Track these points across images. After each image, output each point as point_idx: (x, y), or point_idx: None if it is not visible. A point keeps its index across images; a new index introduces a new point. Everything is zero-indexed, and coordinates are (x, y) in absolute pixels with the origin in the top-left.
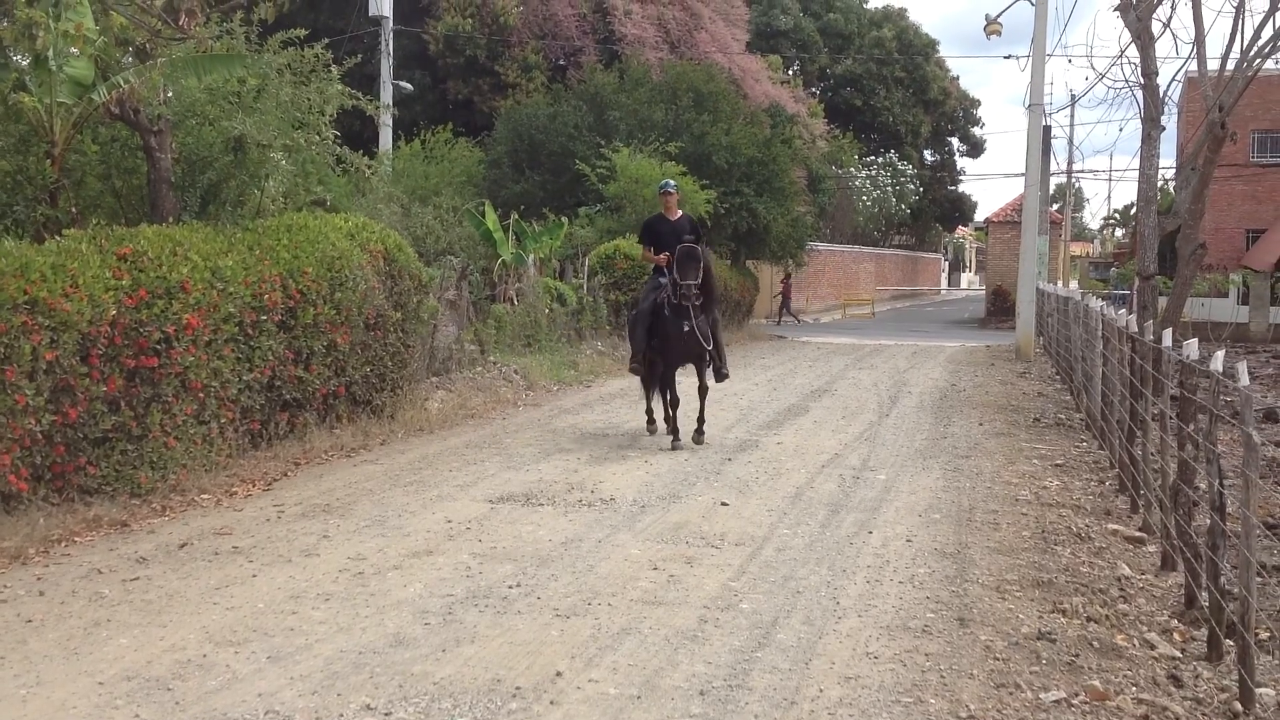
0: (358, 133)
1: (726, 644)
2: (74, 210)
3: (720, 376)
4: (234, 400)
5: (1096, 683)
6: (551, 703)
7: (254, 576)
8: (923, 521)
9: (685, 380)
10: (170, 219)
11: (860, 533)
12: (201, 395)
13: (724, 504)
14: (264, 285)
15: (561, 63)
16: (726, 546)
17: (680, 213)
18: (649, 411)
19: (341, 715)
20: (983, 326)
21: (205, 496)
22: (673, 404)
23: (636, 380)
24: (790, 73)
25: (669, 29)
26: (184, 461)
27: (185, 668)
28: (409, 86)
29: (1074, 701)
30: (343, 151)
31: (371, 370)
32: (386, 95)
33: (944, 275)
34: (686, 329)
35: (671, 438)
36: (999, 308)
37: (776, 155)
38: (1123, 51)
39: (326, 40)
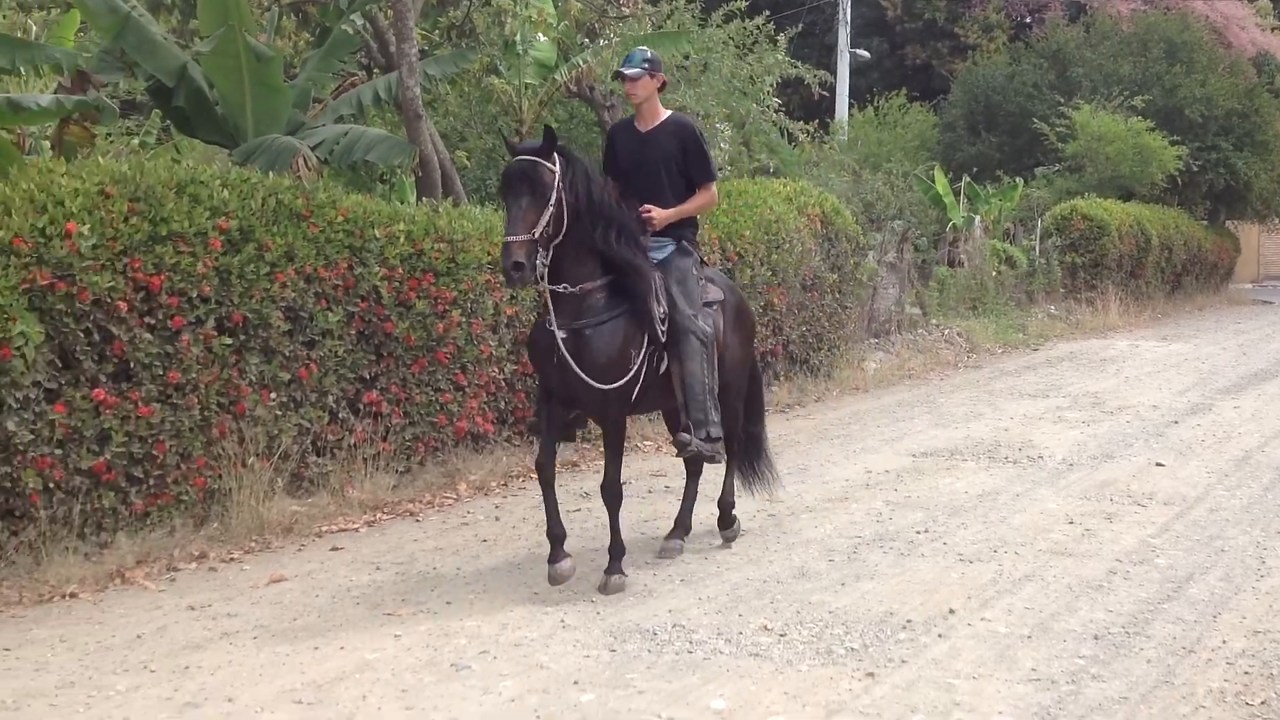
0: (816, 102)
1: (1132, 595)
2: None
3: (685, 446)
4: None
5: None
6: (939, 635)
7: None
8: None
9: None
10: None
11: None
12: None
13: (1159, 464)
14: (703, 248)
15: (1027, 21)
16: (1153, 505)
17: (666, 114)
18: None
19: (740, 633)
20: None
21: (647, 443)
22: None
23: (1090, 343)
24: None
25: None
26: None
27: (604, 593)
28: (866, 54)
29: None
30: (779, 118)
31: (808, 330)
32: (844, 64)
33: None
34: (556, 359)
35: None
36: None
37: (1260, 106)
38: None
39: (768, 13)
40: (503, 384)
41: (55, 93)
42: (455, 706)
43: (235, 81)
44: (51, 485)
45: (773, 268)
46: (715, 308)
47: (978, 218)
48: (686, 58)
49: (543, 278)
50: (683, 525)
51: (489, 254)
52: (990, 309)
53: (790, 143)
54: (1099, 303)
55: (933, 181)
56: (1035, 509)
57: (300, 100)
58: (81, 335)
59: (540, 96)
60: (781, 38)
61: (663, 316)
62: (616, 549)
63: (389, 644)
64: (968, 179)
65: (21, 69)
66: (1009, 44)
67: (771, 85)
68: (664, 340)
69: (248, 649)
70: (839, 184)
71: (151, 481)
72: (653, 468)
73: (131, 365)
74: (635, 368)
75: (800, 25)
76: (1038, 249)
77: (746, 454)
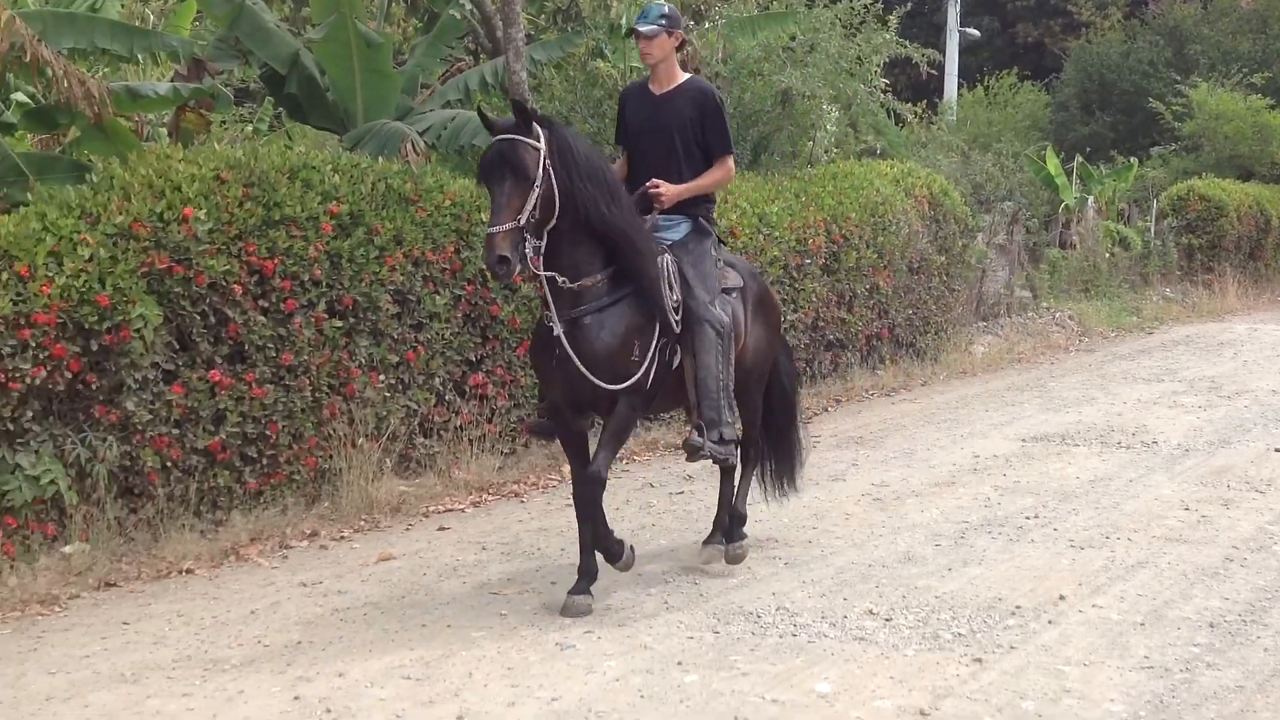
0: (924, 82)
1: (1250, 582)
2: None
3: (696, 450)
4: None
5: None
6: (1049, 622)
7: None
8: None
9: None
10: None
11: None
12: None
13: (1278, 450)
14: (808, 230)
15: None
16: (1271, 492)
17: (684, 77)
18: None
19: (845, 616)
20: None
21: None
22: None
23: (1206, 327)
24: None
25: None
26: None
27: (711, 567)
28: (976, 33)
29: None
30: (887, 99)
31: (914, 313)
32: (953, 42)
33: None
34: (558, 353)
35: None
36: None
37: None
38: None
39: None
40: None
41: (172, 81)
42: (560, 685)
43: (346, 68)
44: (169, 464)
45: (879, 250)
46: (735, 295)
47: (1091, 199)
48: (793, 38)
49: (536, 266)
50: (721, 527)
51: None
52: (1103, 292)
53: (897, 124)
54: (1216, 285)
55: (1044, 162)
56: (1149, 495)
57: (409, 86)
58: (198, 318)
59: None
60: (890, 17)
61: (676, 304)
62: (586, 566)
63: (495, 622)
64: (1080, 159)
65: (140, 57)
66: (1124, 21)
67: (879, 65)
68: (677, 330)
69: (358, 625)
70: (947, 165)
71: (264, 461)
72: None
73: (246, 347)
74: (646, 363)
75: (909, 4)
76: (1153, 230)
77: (773, 457)
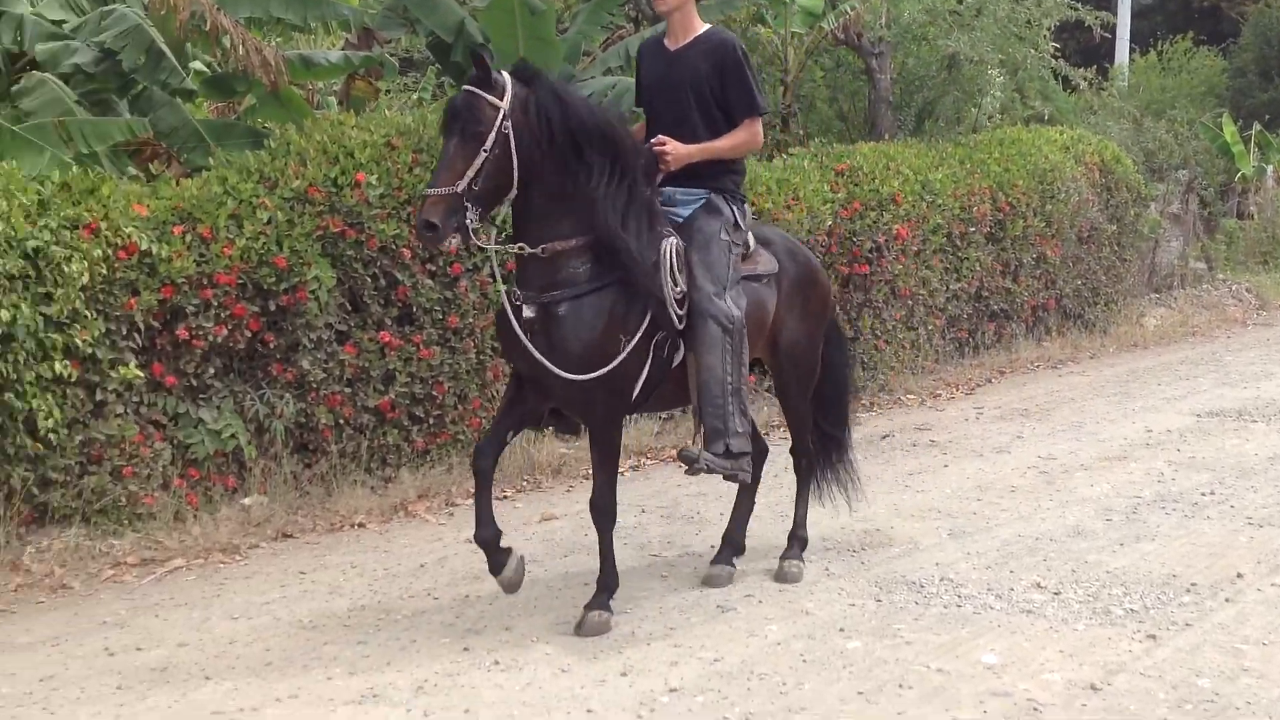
0: (1094, 47)
1: None
2: (802, 132)
3: (692, 463)
4: (941, 309)
5: None
6: (1226, 600)
7: (945, 467)
8: None
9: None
10: (887, 136)
11: None
12: (910, 302)
13: None
14: (973, 198)
15: None
16: None
17: (703, 28)
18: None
19: (1012, 589)
20: None
21: (910, 396)
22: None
23: None
24: None
25: None
26: (892, 364)
27: (873, 536)
28: None
29: None
30: (1058, 65)
31: (1083, 284)
32: (1125, 6)
33: None
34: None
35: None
36: None
37: None
38: None
39: None
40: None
41: (343, 49)
42: (721, 646)
43: (510, 36)
44: (341, 421)
45: (1047, 219)
46: (767, 281)
47: (1270, 168)
48: (960, 1)
49: (479, 236)
50: (732, 545)
51: (752, 205)
52: None
53: (1066, 89)
54: None
55: (1220, 130)
56: None
57: (571, 53)
58: (369, 280)
59: (806, 45)
60: None
61: (680, 295)
62: (606, 579)
63: (655, 583)
64: (1259, 127)
65: (312, 25)
66: None
67: (1049, 29)
68: (680, 326)
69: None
70: (1118, 132)
71: (431, 421)
72: (916, 421)
73: (414, 310)
74: (624, 354)
75: None
76: None
77: (823, 463)
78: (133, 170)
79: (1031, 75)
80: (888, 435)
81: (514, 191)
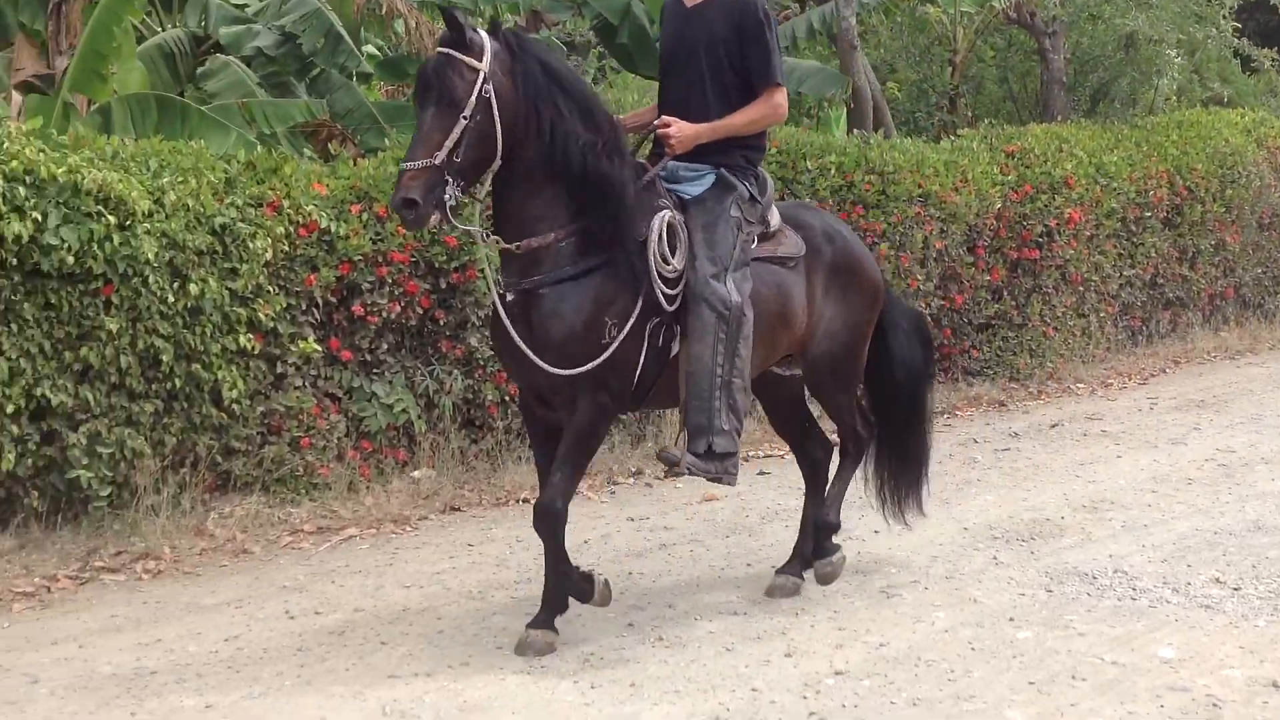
0: (1277, 27)
1: None
2: (970, 114)
3: (673, 464)
4: (1114, 296)
5: None
6: None
7: (1118, 457)
8: None
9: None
10: (1059, 118)
11: None
12: (1081, 289)
13: None
14: (1149, 182)
15: None
16: None
17: None
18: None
19: (1189, 584)
20: None
21: (1080, 385)
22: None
23: None
24: None
25: None
26: (1061, 351)
27: (1043, 526)
28: None
29: None
30: (1242, 45)
31: (1263, 272)
32: None
33: None
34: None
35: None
36: None
37: None
38: None
39: None
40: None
41: None
42: (887, 631)
43: None
44: (507, 399)
45: (1226, 204)
46: (792, 265)
47: None
48: None
49: (459, 215)
50: (801, 555)
51: (919, 187)
52: None
53: (1245, 70)
54: None
55: None
56: None
57: None
58: None
59: (976, 25)
60: None
61: (675, 275)
62: (551, 595)
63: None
64: None
65: (483, 8)
66: None
67: (1231, 8)
68: (670, 309)
69: (684, 560)
70: None
71: None
72: (1087, 410)
73: None
74: (615, 346)
75: None
76: None
77: (891, 471)
78: (309, 151)
79: (1211, 56)
80: (1056, 424)
81: (498, 163)
